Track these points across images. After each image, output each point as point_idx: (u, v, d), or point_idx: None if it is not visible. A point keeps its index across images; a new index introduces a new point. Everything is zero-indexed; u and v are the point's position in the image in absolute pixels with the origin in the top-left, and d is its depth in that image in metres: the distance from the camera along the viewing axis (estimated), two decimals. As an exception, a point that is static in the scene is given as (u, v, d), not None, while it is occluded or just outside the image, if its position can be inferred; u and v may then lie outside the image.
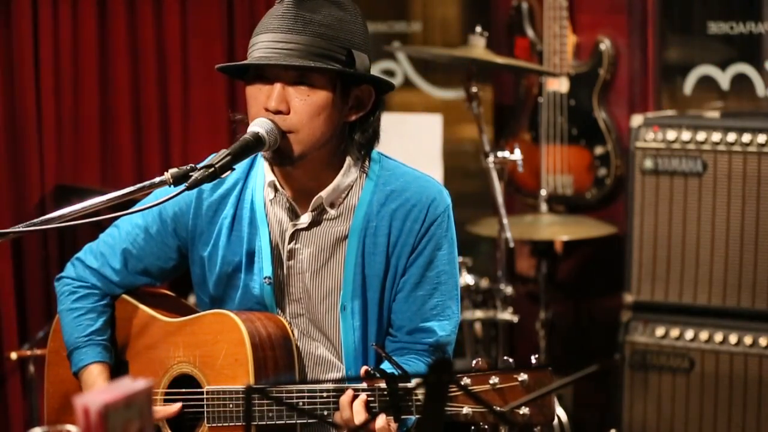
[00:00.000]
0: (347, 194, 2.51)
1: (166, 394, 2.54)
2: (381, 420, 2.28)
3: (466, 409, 2.20)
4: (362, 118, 2.48)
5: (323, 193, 2.48)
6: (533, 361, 2.24)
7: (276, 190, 2.51)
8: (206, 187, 2.46)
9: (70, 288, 2.64)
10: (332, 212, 2.50)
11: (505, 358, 2.26)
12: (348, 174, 2.50)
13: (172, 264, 2.64)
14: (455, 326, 2.56)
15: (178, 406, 2.50)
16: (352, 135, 2.48)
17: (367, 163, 2.52)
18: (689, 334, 4.02)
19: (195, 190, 2.42)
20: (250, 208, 2.54)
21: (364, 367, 2.34)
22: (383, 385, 2.28)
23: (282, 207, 2.53)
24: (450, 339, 2.55)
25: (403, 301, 2.52)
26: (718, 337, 3.97)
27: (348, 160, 2.50)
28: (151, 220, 2.60)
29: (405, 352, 2.52)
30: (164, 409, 2.50)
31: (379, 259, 2.50)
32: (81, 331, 2.59)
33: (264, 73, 2.41)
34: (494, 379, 2.20)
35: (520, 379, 2.20)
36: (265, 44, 2.38)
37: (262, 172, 2.55)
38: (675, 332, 4.05)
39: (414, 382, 2.25)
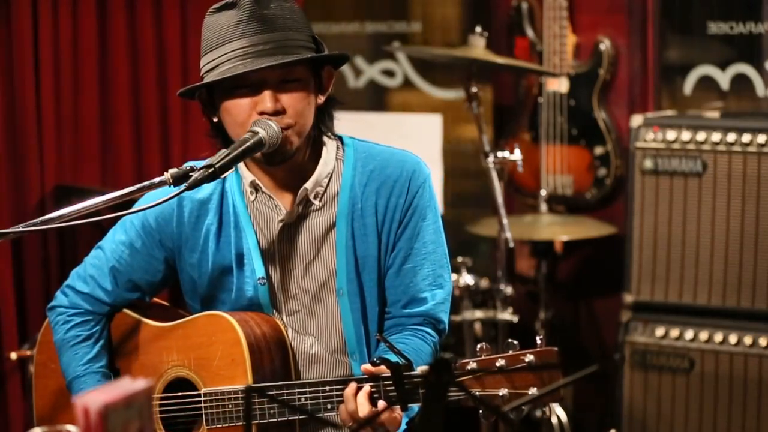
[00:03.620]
0: (328, 183, 2.52)
1: (162, 398, 2.53)
2: (387, 412, 2.29)
3: (474, 393, 2.22)
4: (328, 99, 2.53)
5: (308, 185, 2.49)
6: (538, 342, 2.25)
7: (257, 189, 2.52)
8: (185, 194, 2.46)
9: (63, 317, 2.62)
10: (317, 203, 2.52)
11: (510, 340, 2.28)
12: (326, 162, 2.52)
13: (160, 276, 2.63)
14: (448, 293, 2.59)
15: None
16: (323, 116, 2.52)
17: (341, 149, 2.55)
18: (689, 334, 4.02)
19: (175, 199, 2.42)
20: (233, 212, 2.54)
21: (364, 366, 2.35)
22: (387, 374, 2.29)
23: (265, 206, 2.53)
24: (444, 307, 2.58)
25: (395, 276, 2.54)
26: (718, 337, 3.97)
27: (325, 149, 2.52)
28: (134, 235, 2.59)
29: (400, 329, 2.53)
30: None
31: (371, 240, 2.52)
32: (78, 360, 2.58)
33: (244, 81, 2.40)
34: (501, 362, 2.21)
35: (526, 360, 2.21)
36: (240, 51, 2.37)
37: (238, 173, 2.55)
38: (675, 332, 4.05)
39: (419, 370, 2.26)
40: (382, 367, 2.28)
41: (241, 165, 2.52)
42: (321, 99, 2.51)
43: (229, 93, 2.42)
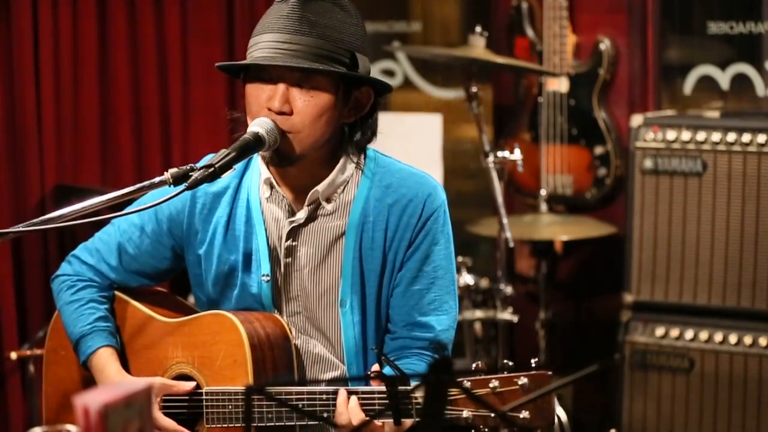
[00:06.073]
0: (343, 189, 2.51)
1: (165, 394, 2.54)
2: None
3: (466, 413, 2.20)
4: (361, 120, 2.49)
5: (319, 187, 2.48)
6: (533, 364, 2.24)
7: (272, 187, 2.52)
8: (200, 186, 2.46)
9: (67, 283, 2.64)
10: (328, 207, 2.50)
11: (505, 361, 2.26)
12: (344, 170, 2.51)
13: (166, 264, 2.64)
14: (453, 321, 2.57)
15: (191, 384, 2.49)
16: (351, 135, 2.49)
17: (362, 159, 2.53)
18: (689, 334, 4.02)
19: (189, 191, 2.42)
20: (246, 207, 2.55)
21: (376, 366, 2.35)
22: (382, 387, 2.29)
23: (278, 205, 2.53)
24: (449, 334, 2.56)
25: (401, 296, 2.52)
26: (718, 337, 3.97)
27: (344, 157, 2.51)
28: (147, 219, 2.60)
29: (405, 352, 2.52)
30: (181, 384, 2.49)
31: (376, 254, 2.51)
32: (85, 320, 2.58)
33: (267, 74, 2.41)
34: (494, 383, 2.20)
35: (520, 382, 2.20)
36: (269, 44, 2.38)
37: (258, 170, 2.55)
38: (675, 332, 4.05)
39: (414, 384, 2.26)
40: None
41: (260, 161, 2.53)
42: (351, 118, 2.48)
43: (252, 80, 2.43)
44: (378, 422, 2.32)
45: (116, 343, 2.59)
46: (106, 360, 2.55)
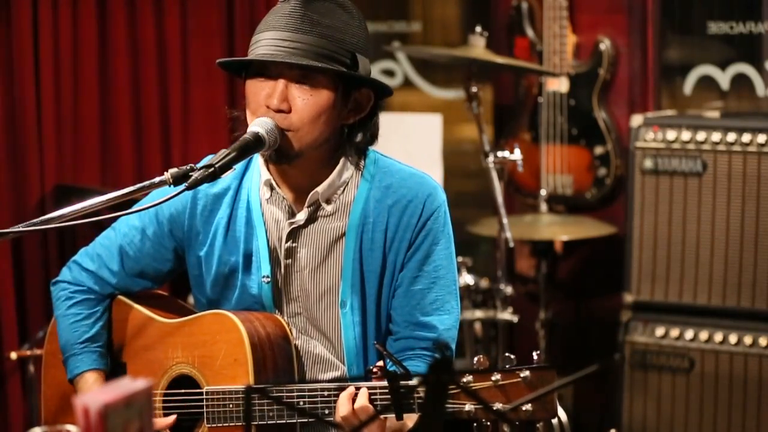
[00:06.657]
0: (343, 191, 2.51)
1: (165, 395, 2.54)
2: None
3: (468, 407, 2.21)
4: (360, 121, 2.49)
5: (319, 189, 2.48)
6: (535, 357, 2.24)
7: (272, 188, 2.52)
8: (202, 187, 2.46)
9: (66, 293, 2.64)
10: (328, 208, 2.50)
11: (507, 354, 2.26)
12: (344, 171, 2.51)
13: (168, 266, 2.64)
14: (456, 321, 2.56)
15: (172, 418, 2.51)
16: (351, 137, 2.49)
17: (362, 161, 2.53)
18: (689, 334, 4.02)
19: (190, 192, 2.42)
20: (246, 208, 2.55)
21: (380, 363, 2.35)
22: (384, 383, 2.29)
23: (278, 206, 2.53)
24: (451, 334, 2.55)
25: (402, 296, 2.52)
26: (718, 337, 3.97)
27: (344, 158, 2.51)
28: (147, 222, 2.60)
29: (408, 353, 2.52)
30: (161, 421, 2.51)
31: (376, 255, 2.51)
32: (77, 338, 2.59)
33: (267, 70, 2.41)
34: (496, 376, 2.20)
35: (522, 375, 2.20)
36: (270, 41, 2.39)
37: (258, 171, 2.55)
38: (675, 332, 4.05)
39: (416, 380, 2.26)
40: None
41: (261, 162, 2.53)
42: (350, 119, 2.48)
43: (252, 76, 2.43)
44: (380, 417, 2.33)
45: (105, 365, 2.61)
46: (91, 385, 2.57)
